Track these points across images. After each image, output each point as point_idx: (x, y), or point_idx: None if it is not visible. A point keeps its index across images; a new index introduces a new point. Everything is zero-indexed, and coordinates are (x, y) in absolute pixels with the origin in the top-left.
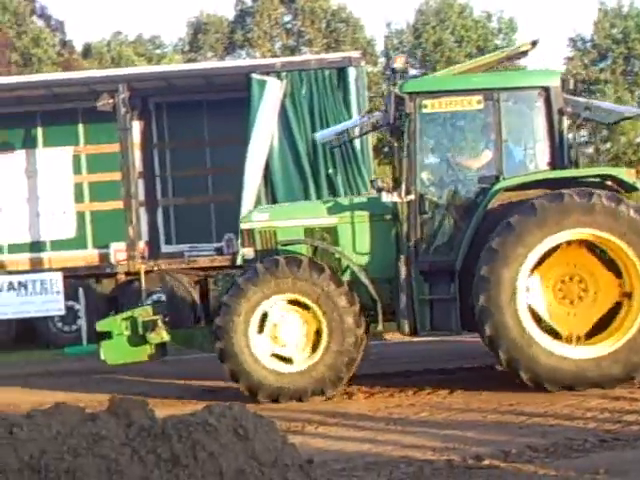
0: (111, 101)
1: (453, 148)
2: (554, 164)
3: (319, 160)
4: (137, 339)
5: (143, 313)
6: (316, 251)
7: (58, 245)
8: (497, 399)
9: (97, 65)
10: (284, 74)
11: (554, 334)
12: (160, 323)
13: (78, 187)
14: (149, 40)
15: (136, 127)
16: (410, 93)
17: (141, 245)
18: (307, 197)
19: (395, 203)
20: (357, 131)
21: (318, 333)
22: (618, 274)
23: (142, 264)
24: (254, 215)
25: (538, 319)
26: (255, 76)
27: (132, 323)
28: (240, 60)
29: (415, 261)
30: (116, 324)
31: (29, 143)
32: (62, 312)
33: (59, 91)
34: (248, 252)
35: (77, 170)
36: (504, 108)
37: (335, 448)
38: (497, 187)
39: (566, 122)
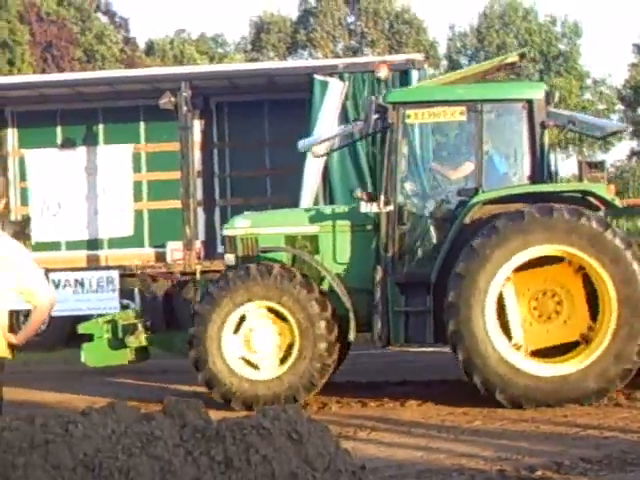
0: (173, 99)
1: (435, 159)
2: (534, 178)
3: (378, 162)
4: (117, 343)
5: (124, 317)
6: (295, 259)
7: (115, 243)
8: (551, 410)
9: (159, 63)
10: (346, 75)
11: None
12: (140, 327)
13: (137, 185)
14: (212, 38)
15: (197, 126)
16: (393, 103)
17: (197, 245)
18: None
19: (376, 214)
20: (337, 141)
21: (291, 346)
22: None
23: (198, 264)
24: (237, 221)
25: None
26: (317, 77)
27: (113, 326)
28: (303, 60)
29: (392, 272)
30: (97, 327)
31: (90, 140)
32: (117, 310)
33: (121, 88)
34: (229, 258)
35: (137, 168)
36: (486, 120)
37: (387, 455)
38: (475, 200)
39: (547, 136)
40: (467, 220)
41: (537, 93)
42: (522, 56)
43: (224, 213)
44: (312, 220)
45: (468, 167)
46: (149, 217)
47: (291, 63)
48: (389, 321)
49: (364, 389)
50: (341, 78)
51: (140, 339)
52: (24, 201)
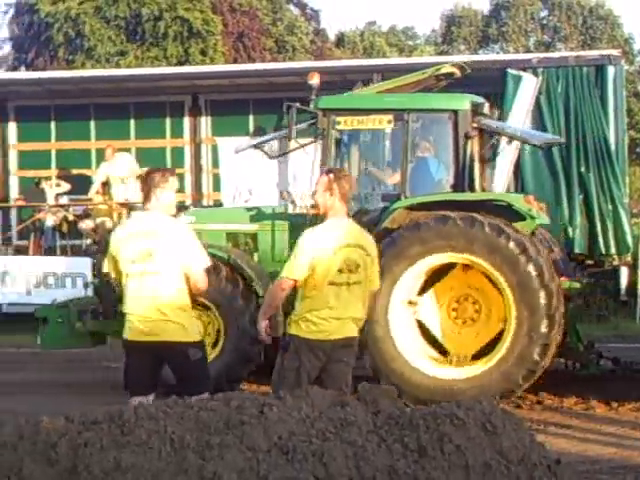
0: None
1: (363, 165)
2: (457, 186)
3: (572, 158)
4: (69, 327)
5: (76, 302)
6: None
7: None
8: None
9: (349, 55)
10: (540, 70)
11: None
12: (89, 313)
13: None
14: (402, 31)
15: None
16: (324, 109)
17: None
18: (557, 195)
19: (307, 214)
20: (274, 145)
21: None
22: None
23: None
24: (182, 217)
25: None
26: (511, 71)
27: (65, 311)
28: (495, 55)
29: None
30: (52, 311)
31: (280, 128)
32: None
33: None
34: None
35: None
36: (412, 129)
37: (579, 449)
38: (395, 206)
39: (470, 146)
40: (387, 225)
41: (462, 104)
42: (462, 69)
43: None
44: (252, 219)
45: (396, 174)
46: None
47: (484, 57)
48: None
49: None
50: (535, 73)
51: (87, 324)
52: (216, 187)
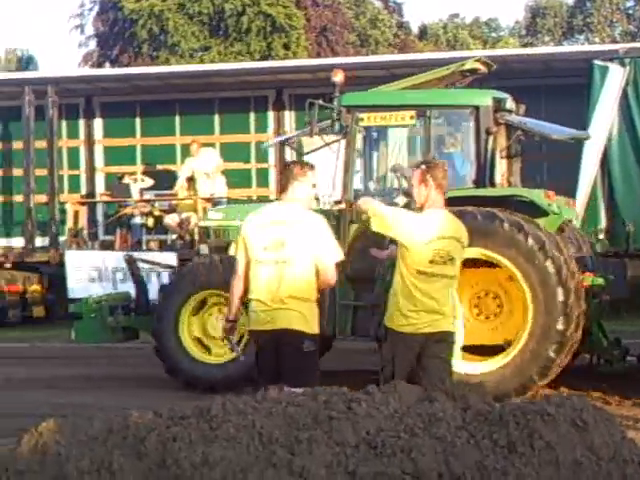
0: None
1: (387, 161)
2: (479, 182)
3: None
4: (101, 322)
5: (109, 298)
6: None
7: None
8: None
9: (432, 47)
10: (627, 60)
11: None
12: (120, 309)
13: None
14: (485, 23)
15: None
16: (348, 106)
17: None
18: None
19: (332, 210)
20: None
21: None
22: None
23: None
24: (210, 214)
25: None
26: (597, 62)
27: (98, 307)
28: (580, 45)
29: (343, 267)
30: (86, 306)
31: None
32: None
33: (398, 72)
34: (203, 249)
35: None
36: (434, 125)
37: None
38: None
39: (491, 142)
40: None
41: (484, 100)
42: (488, 65)
43: None
44: None
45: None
46: None
47: (569, 48)
48: (336, 314)
49: None
50: (622, 63)
51: (118, 320)
52: None
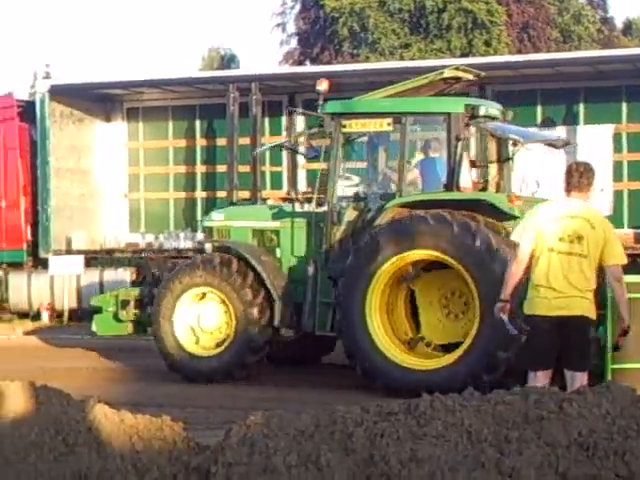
0: None
1: (368, 165)
2: (449, 186)
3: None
4: (117, 316)
5: (124, 292)
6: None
7: None
8: None
9: (637, 43)
10: None
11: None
12: (132, 303)
13: (617, 165)
14: None
15: None
16: (331, 114)
17: None
18: None
19: (316, 213)
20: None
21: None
22: None
23: None
24: (213, 215)
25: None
26: None
27: (115, 301)
28: None
29: (324, 266)
30: (105, 300)
31: (570, 119)
32: None
33: (602, 68)
34: (208, 248)
35: (618, 148)
36: (409, 131)
37: None
38: (388, 204)
39: (460, 147)
40: (380, 222)
41: (456, 107)
42: (469, 72)
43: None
44: (275, 216)
45: (413, 173)
46: (629, 197)
47: None
48: (315, 311)
49: None
50: None
51: (130, 314)
52: None
